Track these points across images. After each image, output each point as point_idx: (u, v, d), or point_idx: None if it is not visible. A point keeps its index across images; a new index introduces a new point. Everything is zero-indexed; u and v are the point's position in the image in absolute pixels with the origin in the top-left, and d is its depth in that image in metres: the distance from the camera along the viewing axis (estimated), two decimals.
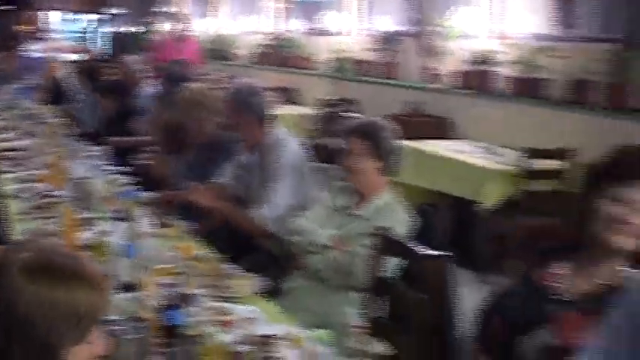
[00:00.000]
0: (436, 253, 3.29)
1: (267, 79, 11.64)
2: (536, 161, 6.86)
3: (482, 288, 3.20)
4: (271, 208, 4.59)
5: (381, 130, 4.10)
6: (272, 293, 3.80)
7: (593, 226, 2.72)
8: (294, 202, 4.59)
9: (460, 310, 3.60)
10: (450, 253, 3.29)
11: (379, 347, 3.30)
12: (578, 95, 7.61)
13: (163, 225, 4.32)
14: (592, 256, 2.79)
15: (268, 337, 2.92)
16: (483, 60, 8.79)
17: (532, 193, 6.81)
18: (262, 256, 4.60)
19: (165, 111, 6.30)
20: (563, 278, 2.84)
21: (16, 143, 6.99)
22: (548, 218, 5.88)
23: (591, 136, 6.88)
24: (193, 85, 5.96)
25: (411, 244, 3.50)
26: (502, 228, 6.72)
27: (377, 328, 3.41)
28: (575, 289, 2.79)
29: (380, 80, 10.56)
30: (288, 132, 4.98)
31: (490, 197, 6.91)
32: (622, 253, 2.73)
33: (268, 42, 13.66)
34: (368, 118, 4.30)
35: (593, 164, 2.85)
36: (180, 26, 12.16)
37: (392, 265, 3.67)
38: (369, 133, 4.06)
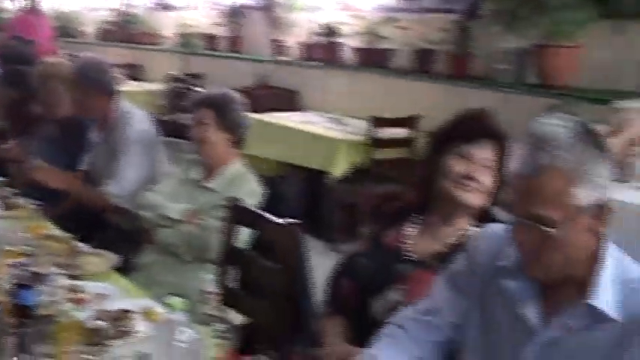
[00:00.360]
0: (287, 221, 3.34)
1: (113, 55, 11.47)
2: (383, 130, 6.99)
3: (335, 257, 3.26)
4: (121, 184, 4.55)
5: (229, 101, 4.11)
6: (125, 269, 3.79)
7: (441, 183, 2.84)
8: (145, 176, 4.57)
9: (313, 277, 3.67)
10: (300, 222, 3.35)
11: (234, 316, 3.35)
12: (422, 65, 7.81)
13: (10, 206, 4.24)
14: (440, 216, 2.91)
15: (123, 311, 2.93)
16: (330, 32, 8.89)
17: (380, 161, 6.94)
18: (114, 232, 4.56)
19: (7, 90, 6.12)
20: (412, 239, 2.94)
21: None
22: (397, 185, 6.04)
23: (436, 104, 7.05)
24: (49, 59, 5.81)
25: (262, 214, 3.55)
26: (352, 196, 6.84)
27: (231, 298, 3.45)
28: (423, 250, 2.89)
29: (227, 54, 10.57)
30: (133, 106, 4.93)
31: (339, 167, 7.00)
32: (468, 210, 2.86)
33: (113, 18, 13.44)
34: (217, 90, 4.29)
35: (440, 126, 2.97)
36: (30, 2, 11.75)
37: (244, 235, 3.71)
38: (217, 104, 4.06)
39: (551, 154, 1.95)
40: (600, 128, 5.11)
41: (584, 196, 1.96)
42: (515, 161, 2.04)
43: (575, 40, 6.20)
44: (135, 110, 4.84)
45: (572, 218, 1.97)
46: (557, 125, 2.00)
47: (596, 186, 1.97)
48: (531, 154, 1.98)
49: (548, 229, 1.97)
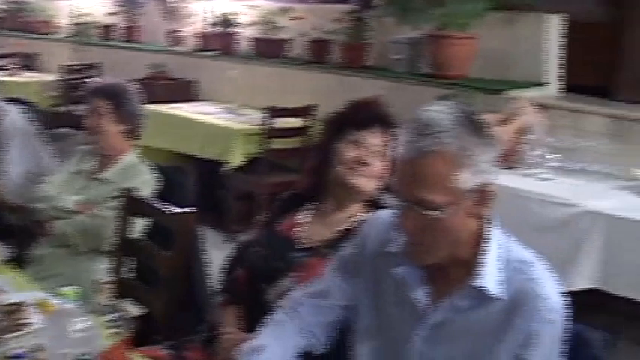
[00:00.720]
0: (182, 210, 3.35)
1: (6, 45, 11.28)
2: (279, 120, 7.00)
3: (232, 247, 3.29)
4: (5, 180, 4.47)
5: (124, 91, 4.09)
6: (19, 262, 3.76)
7: (334, 170, 2.89)
8: (29, 169, 4.50)
9: (209, 267, 3.69)
10: (195, 210, 3.37)
11: (130, 307, 3.35)
12: (318, 55, 7.87)
13: None
14: (333, 203, 2.97)
15: (16, 304, 2.91)
16: (225, 22, 8.88)
17: (277, 151, 6.95)
18: (5, 227, 4.50)
19: None
20: (305, 227, 2.98)
21: None
22: (293, 174, 6.09)
23: (332, 93, 7.09)
24: None
25: (157, 204, 3.55)
26: (248, 186, 6.87)
27: (127, 288, 3.45)
28: (316, 236, 2.94)
29: (124, 44, 10.47)
30: (5, 101, 4.83)
31: (236, 157, 6.98)
32: (361, 196, 2.91)
33: (6, 5, 13.14)
34: (112, 80, 4.26)
35: (334, 113, 3.02)
36: None
37: (139, 225, 3.71)
38: (112, 95, 4.04)
39: (434, 138, 1.99)
40: (492, 117, 5.28)
41: (466, 180, 2.01)
42: (399, 146, 2.09)
43: (468, 30, 6.32)
44: (7, 105, 4.75)
45: (454, 202, 2.02)
46: (440, 111, 2.05)
47: (479, 170, 2.03)
48: (415, 139, 2.02)
49: (431, 212, 2.02)
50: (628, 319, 4.62)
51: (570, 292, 2.12)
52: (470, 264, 2.11)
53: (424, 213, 2.02)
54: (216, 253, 3.72)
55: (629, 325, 4.64)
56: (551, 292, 2.09)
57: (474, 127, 2.05)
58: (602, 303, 4.45)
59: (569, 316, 2.13)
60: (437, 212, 2.02)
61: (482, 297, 2.09)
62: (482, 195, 2.06)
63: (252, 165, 7.01)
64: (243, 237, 3.27)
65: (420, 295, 2.19)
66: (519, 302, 2.06)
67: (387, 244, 2.28)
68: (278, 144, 6.98)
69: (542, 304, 2.05)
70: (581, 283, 4.40)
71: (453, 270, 2.15)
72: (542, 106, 5.70)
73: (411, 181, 2.04)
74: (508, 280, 2.09)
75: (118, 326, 2.48)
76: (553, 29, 6.44)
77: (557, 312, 2.08)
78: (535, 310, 2.05)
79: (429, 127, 2.01)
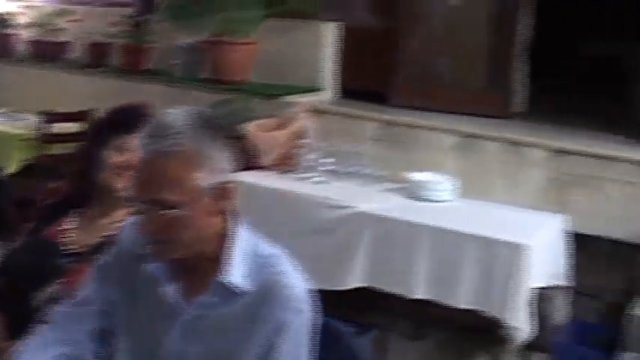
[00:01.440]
0: None
1: None
2: (55, 125, 6.88)
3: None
4: None
5: None
6: None
7: (99, 175, 2.88)
8: None
9: None
10: None
11: None
12: (97, 58, 7.79)
13: None
14: (99, 208, 2.97)
15: None
16: (1, 22, 8.64)
17: (52, 157, 6.81)
18: None
19: None
20: (72, 233, 2.96)
21: None
22: (66, 179, 5.97)
23: (111, 97, 6.96)
24: None
25: None
26: (23, 192, 6.70)
27: None
28: (82, 242, 2.93)
29: None
30: None
31: (12, 162, 6.81)
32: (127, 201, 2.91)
33: None
34: None
35: (97, 119, 3.01)
36: None
37: None
38: None
39: (170, 140, 2.04)
40: (269, 121, 5.36)
41: (203, 178, 2.07)
42: (137, 148, 2.11)
43: (246, 37, 6.38)
44: None
45: (192, 200, 2.07)
46: (177, 114, 2.10)
47: (216, 169, 2.09)
48: (151, 141, 2.06)
49: (168, 211, 2.06)
50: (399, 316, 4.79)
51: (346, 291, 2.18)
52: (217, 260, 2.17)
53: (162, 212, 2.06)
54: None
55: (400, 321, 4.82)
56: (297, 283, 2.18)
57: (210, 128, 2.12)
58: (376, 301, 4.59)
59: (318, 307, 2.23)
60: (175, 210, 2.06)
61: (230, 292, 2.15)
62: (222, 192, 2.12)
63: (28, 170, 6.85)
64: (13, 244, 3.20)
65: (170, 292, 2.22)
66: (268, 294, 2.14)
67: (140, 246, 2.28)
68: (56, 149, 6.84)
69: (290, 294, 2.14)
70: (355, 282, 4.52)
71: (202, 267, 2.20)
72: (318, 111, 5.81)
73: (147, 182, 2.07)
74: (255, 275, 2.17)
75: None
76: (329, 36, 6.60)
77: (305, 302, 2.17)
78: (283, 301, 2.13)
79: (165, 128, 2.06)
